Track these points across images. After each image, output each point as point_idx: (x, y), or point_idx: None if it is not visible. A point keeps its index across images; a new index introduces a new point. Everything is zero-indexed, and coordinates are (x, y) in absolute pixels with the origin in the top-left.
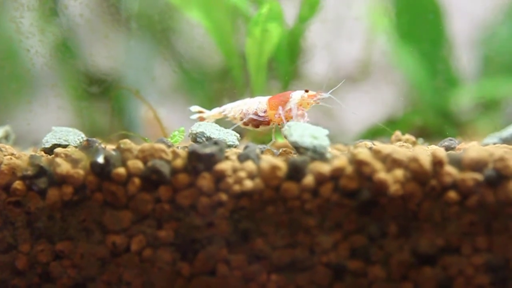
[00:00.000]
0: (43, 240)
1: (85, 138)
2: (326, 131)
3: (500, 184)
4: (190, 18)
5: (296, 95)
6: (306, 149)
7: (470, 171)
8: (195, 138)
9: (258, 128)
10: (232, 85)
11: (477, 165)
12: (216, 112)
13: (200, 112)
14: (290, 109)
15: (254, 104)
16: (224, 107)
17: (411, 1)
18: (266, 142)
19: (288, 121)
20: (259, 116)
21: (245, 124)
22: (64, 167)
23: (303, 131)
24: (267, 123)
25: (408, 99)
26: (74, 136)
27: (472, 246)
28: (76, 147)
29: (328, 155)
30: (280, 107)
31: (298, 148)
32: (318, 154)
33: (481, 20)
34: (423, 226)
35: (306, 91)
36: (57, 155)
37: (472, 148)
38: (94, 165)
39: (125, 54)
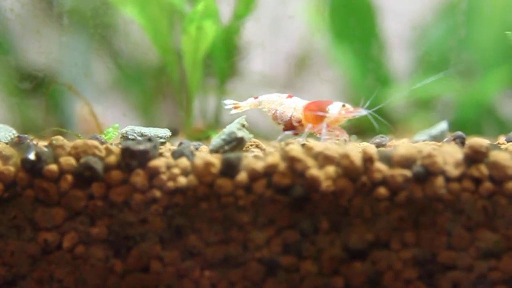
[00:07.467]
0: None
1: (16, 135)
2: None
3: (427, 180)
4: (124, 14)
5: (333, 111)
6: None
7: (400, 168)
8: (126, 136)
9: (289, 130)
10: (168, 82)
11: (406, 162)
12: (251, 102)
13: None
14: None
15: (289, 110)
16: (261, 98)
17: (344, 0)
18: (201, 139)
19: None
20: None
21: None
22: None
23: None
24: (301, 129)
25: (342, 96)
26: (5, 133)
27: (401, 241)
28: (6, 143)
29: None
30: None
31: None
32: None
33: (413, 21)
34: (354, 221)
35: (343, 105)
36: None
37: (402, 145)
38: (25, 162)
39: (59, 50)
